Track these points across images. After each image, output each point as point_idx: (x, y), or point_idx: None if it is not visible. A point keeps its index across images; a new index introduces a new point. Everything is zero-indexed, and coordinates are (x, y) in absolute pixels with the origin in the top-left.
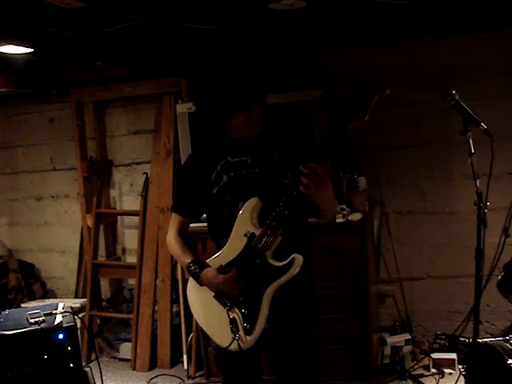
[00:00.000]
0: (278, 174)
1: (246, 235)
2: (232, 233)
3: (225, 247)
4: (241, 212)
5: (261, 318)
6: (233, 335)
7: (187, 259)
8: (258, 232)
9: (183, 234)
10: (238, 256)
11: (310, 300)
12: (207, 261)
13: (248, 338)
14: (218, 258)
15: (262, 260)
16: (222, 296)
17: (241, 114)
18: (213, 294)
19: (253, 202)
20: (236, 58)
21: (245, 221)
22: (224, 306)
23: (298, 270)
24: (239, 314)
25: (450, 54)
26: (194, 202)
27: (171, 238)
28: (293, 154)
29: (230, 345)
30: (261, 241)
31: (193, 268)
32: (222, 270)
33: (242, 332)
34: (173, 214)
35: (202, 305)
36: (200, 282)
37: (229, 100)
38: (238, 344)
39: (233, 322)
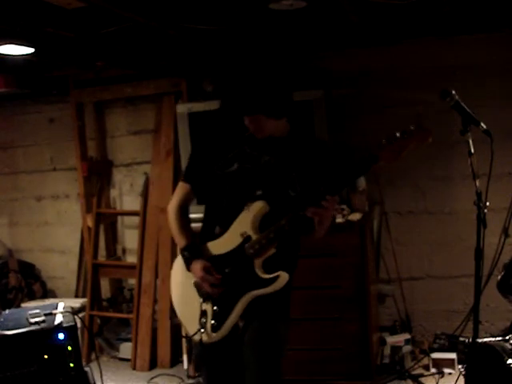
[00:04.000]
0: (290, 185)
1: (242, 235)
2: (231, 227)
3: (221, 238)
4: (246, 210)
5: (229, 320)
6: (199, 326)
7: (183, 242)
8: (254, 237)
9: (184, 209)
10: (228, 252)
11: (284, 303)
12: (203, 246)
13: (213, 334)
14: (212, 247)
15: (249, 266)
16: (200, 286)
17: (245, 118)
18: (194, 280)
19: (260, 205)
20: (261, 68)
21: (246, 221)
22: (200, 295)
23: (280, 287)
24: (211, 308)
25: (450, 53)
26: (202, 174)
27: (171, 212)
28: (310, 170)
29: (194, 334)
30: (253, 247)
31: (186, 254)
32: (207, 269)
33: (208, 327)
34: (180, 183)
35: (181, 287)
36: (188, 268)
37: (234, 103)
38: (201, 337)
39: (203, 314)
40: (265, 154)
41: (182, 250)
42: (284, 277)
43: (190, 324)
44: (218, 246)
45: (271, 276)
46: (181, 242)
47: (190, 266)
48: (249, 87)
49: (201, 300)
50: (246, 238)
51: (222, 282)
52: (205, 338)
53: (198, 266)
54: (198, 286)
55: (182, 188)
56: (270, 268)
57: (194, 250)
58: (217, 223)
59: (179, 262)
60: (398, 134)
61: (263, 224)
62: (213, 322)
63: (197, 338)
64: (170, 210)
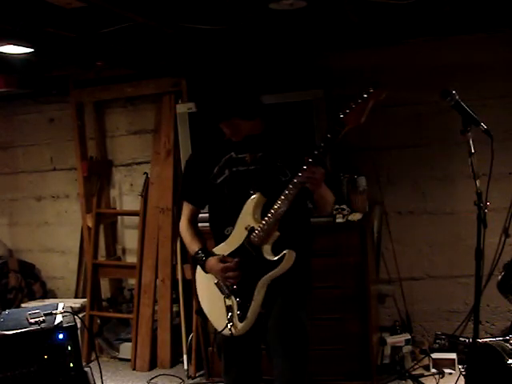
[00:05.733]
0: (279, 172)
1: (246, 228)
2: (235, 225)
3: (228, 238)
4: (245, 206)
5: (253, 307)
6: (227, 321)
7: (195, 247)
8: (256, 226)
9: (193, 222)
10: (238, 248)
11: (303, 288)
12: (213, 249)
13: (240, 324)
14: (222, 248)
15: (258, 253)
16: (221, 284)
17: (222, 125)
18: (215, 280)
19: (256, 198)
20: (228, 75)
21: (247, 215)
22: (222, 293)
23: (289, 265)
24: (235, 301)
25: (450, 53)
26: (199, 190)
27: (182, 226)
28: (292, 154)
29: (223, 329)
30: (258, 235)
31: (199, 256)
32: (222, 259)
33: (235, 319)
34: (183, 202)
35: (206, 290)
36: (205, 270)
37: (207, 112)
38: (231, 330)
39: (229, 309)
40: (247, 152)
41: (195, 254)
42: (290, 254)
43: (220, 322)
44: (228, 245)
45: (278, 257)
46: (193, 248)
47: (204, 266)
48: (219, 94)
49: (224, 297)
50: (251, 230)
51: (240, 266)
52: (234, 330)
53: (212, 261)
54: (218, 285)
55: (185, 207)
56: (280, 252)
57: (206, 252)
58: (226, 226)
59: (198, 269)
60: (358, 98)
61: (264, 214)
62: (238, 312)
63: (227, 332)
64: (181, 228)
